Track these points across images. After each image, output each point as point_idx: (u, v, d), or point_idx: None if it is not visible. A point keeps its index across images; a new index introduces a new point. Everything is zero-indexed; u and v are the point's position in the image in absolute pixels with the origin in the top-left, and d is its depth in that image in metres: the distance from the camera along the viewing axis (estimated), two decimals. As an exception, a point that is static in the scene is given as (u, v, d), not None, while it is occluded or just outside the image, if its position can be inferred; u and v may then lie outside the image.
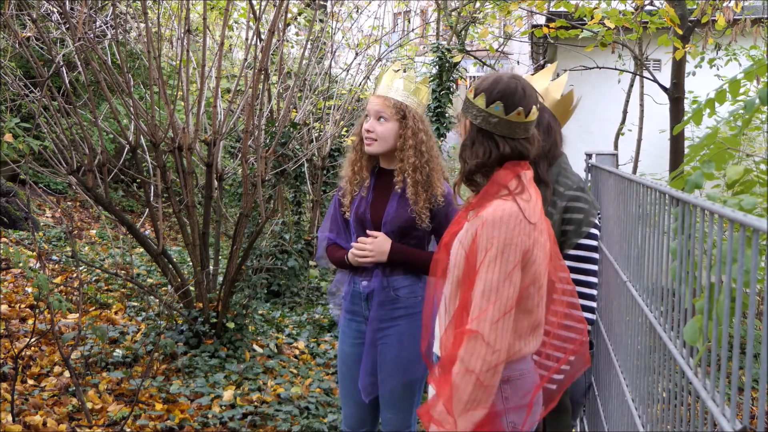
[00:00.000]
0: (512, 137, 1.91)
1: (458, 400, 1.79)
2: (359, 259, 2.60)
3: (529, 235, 1.83)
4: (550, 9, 6.97)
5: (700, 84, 7.06)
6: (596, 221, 2.42)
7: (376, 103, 2.62)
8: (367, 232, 2.62)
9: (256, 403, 3.94)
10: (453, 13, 10.22)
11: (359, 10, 8.49)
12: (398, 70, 2.68)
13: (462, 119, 2.01)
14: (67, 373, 3.94)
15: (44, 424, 3.41)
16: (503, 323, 1.79)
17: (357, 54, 7.61)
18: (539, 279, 1.88)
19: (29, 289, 5.14)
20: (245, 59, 4.95)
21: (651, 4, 6.03)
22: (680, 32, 5.14)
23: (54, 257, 5.99)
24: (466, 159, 1.94)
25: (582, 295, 2.31)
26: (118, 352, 4.28)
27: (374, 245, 2.58)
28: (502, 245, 1.80)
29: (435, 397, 1.88)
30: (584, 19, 5.44)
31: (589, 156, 3.61)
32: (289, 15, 7.50)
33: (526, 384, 1.95)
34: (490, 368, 1.79)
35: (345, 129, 7.74)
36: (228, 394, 3.95)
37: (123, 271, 5.62)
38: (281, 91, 6.30)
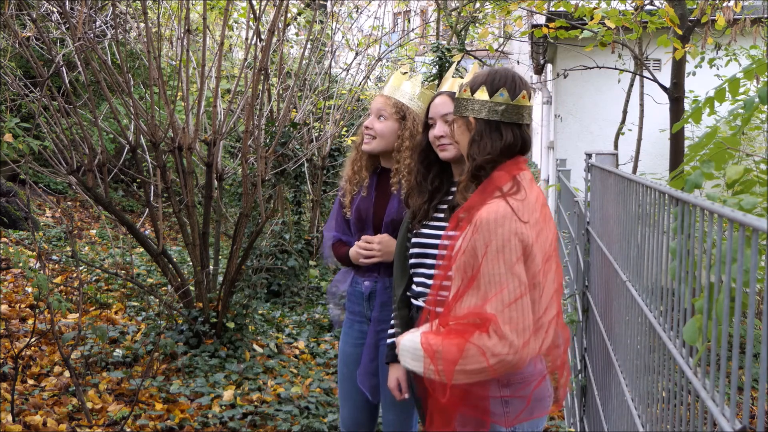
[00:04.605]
0: (519, 122, 1.96)
1: (462, 367, 1.82)
2: (363, 260, 2.60)
3: (524, 233, 1.84)
4: (550, 9, 6.96)
5: (700, 84, 7.05)
6: None
7: (379, 102, 2.63)
8: (368, 238, 2.61)
9: (256, 403, 3.94)
10: (453, 13, 10.23)
11: (359, 10, 8.49)
12: (405, 73, 2.68)
13: (458, 122, 2.01)
14: (67, 373, 3.94)
15: (44, 424, 3.41)
16: (518, 306, 1.80)
17: (357, 54, 7.61)
18: (537, 276, 1.88)
19: (29, 289, 5.14)
20: (245, 59, 4.95)
21: (651, 4, 6.03)
22: (680, 32, 5.14)
23: (54, 257, 5.99)
24: (474, 155, 1.94)
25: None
26: (118, 352, 4.28)
27: (382, 245, 2.57)
28: (500, 245, 1.82)
29: (439, 337, 1.87)
30: (584, 19, 5.43)
31: (589, 156, 3.61)
32: (289, 15, 7.50)
33: (528, 387, 1.96)
34: (504, 366, 1.81)
35: (345, 129, 7.74)
36: (228, 394, 3.95)
37: (123, 271, 5.62)
38: (281, 91, 6.29)
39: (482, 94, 1.94)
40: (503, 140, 1.93)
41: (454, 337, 1.85)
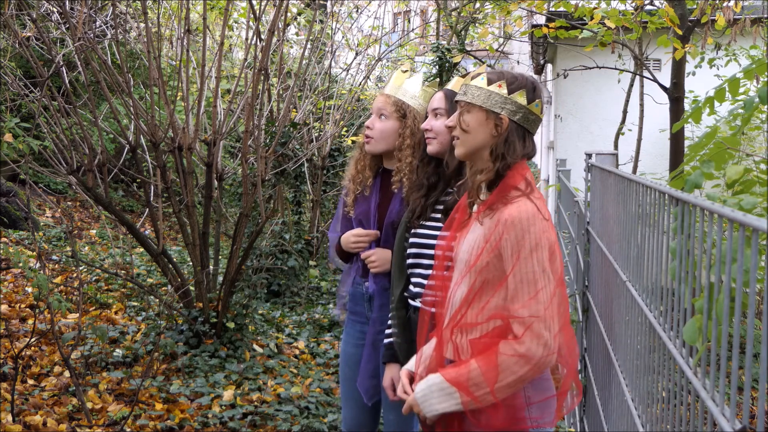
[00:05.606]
0: (533, 134, 1.99)
1: (500, 384, 1.79)
2: (353, 246, 2.62)
3: (549, 231, 1.86)
4: (550, 9, 6.97)
5: (700, 84, 7.05)
6: None
7: (380, 101, 2.62)
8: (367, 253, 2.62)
9: (256, 403, 3.94)
10: (453, 13, 10.23)
11: (359, 10, 8.50)
12: (406, 71, 2.67)
13: (474, 111, 1.96)
14: (67, 373, 3.94)
15: (44, 424, 3.41)
16: (552, 305, 1.80)
17: (357, 54, 7.62)
18: (560, 274, 1.89)
19: (29, 289, 5.14)
20: (245, 59, 4.95)
21: (651, 4, 6.03)
22: (680, 32, 5.14)
23: (54, 257, 5.99)
24: (505, 154, 1.92)
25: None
26: (118, 352, 4.28)
27: (377, 254, 2.56)
28: (533, 244, 1.81)
29: (465, 369, 1.83)
30: (584, 19, 5.44)
31: (589, 156, 3.62)
32: (289, 15, 7.50)
33: (549, 384, 1.94)
34: (541, 368, 1.79)
35: (345, 129, 7.74)
36: (228, 394, 3.95)
37: (123, 271, 5.62)
38: (281, 91, 6.30)
39: (521, 98, 1.93)
40: (525, 147, 1.95)
41: (479, 357, 1.83)
